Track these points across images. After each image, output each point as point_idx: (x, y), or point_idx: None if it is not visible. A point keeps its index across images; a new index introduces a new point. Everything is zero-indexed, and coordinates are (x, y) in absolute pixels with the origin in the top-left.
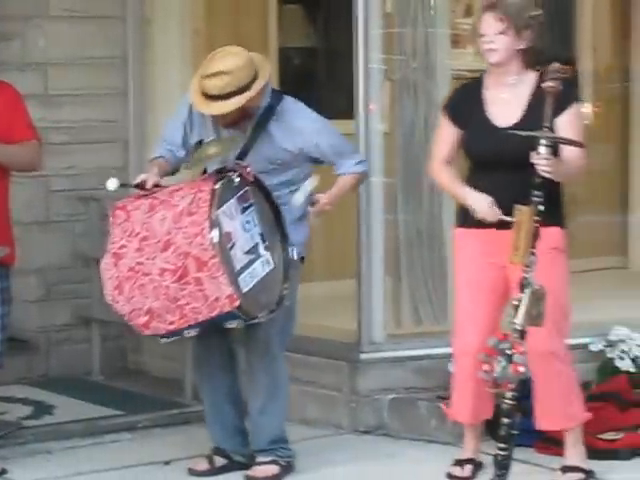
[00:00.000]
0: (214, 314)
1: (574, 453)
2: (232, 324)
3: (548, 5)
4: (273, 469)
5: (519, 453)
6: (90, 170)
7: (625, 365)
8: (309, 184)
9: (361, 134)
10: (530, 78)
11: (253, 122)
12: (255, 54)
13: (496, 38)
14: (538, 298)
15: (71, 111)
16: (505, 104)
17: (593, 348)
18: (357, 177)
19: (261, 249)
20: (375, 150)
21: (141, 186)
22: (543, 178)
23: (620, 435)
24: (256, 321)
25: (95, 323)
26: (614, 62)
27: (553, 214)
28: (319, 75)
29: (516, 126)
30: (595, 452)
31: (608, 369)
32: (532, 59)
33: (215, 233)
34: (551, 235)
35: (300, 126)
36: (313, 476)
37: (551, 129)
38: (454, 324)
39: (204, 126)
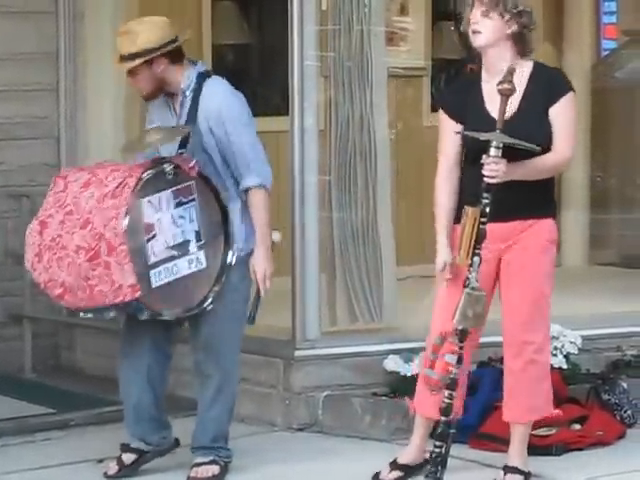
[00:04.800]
0: (117, 301)
1: (518, 453)
2: (143, 316)
3: None
4: (214, 469)
5: (453, 449)
6: (21, 167)
7: (558, 362)
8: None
9: (296, 131)
10: (526, 69)
11: (186, 106)
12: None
13: (481, 20)
14: (474, 299)
15: (2, 107)
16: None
17: None
18: (261, 194)
19: (192, 247)
20: (310, 147)
21: None
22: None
23: (553, 431)
24: (162, 318)
25: (27, 320)
26: (548, 61)
27: (544, 206)
28: (253, 72)
29: (513, 117)
30: (528, 448)
31: None
32: (526, 47)
33: (126, 222)
34: (542, 227)
35: (213, 99)
36: (248, 475)
37: (532, 122)
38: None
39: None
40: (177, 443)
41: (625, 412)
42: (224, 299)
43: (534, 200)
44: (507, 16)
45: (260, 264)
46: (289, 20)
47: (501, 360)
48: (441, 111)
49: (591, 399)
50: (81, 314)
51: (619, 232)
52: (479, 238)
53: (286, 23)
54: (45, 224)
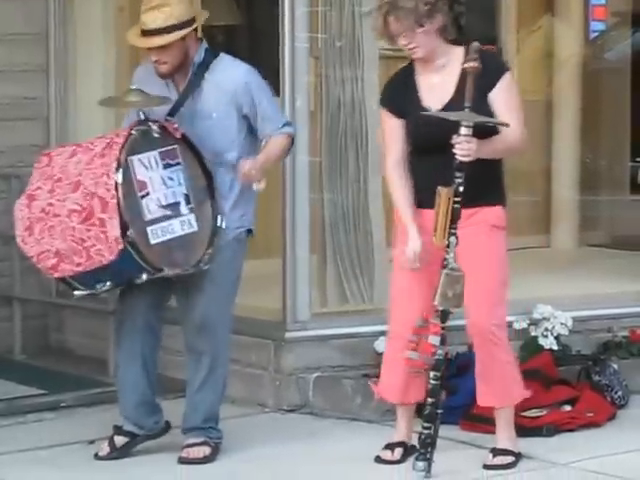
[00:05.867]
0: (113, 256)
1: (505, 435)
2: (141, 278)
3: None
4: (205, 450)
5: (444, 430)
6: (10, 147)
7: (548, 343)
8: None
9: (286, 112)
10: (458, 55)
11: (187, 78)
12: None
13: (411, 37)
14: (454, 280)
15: None
16: (436, 87)
17: (517, 326)
18: (285, 138)
19: (183, 209)
20: (300, 128)
21: None
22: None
23: (544, 412)
24: (162, 274)
25: (16, 301)
26: (538, 43)
27: (493, 192)
28: (244, 53)
29: (447, 107)
30: (519, 429)
31: (532, 347)
32: (453, 32)
33: (119, 175)
34: (491, 213)
35: (234, 73)
36: (239, 456)
37: (473, 109)
38: (390, 302)
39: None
40: (168, 427)
41: (616, 393)
42: (217, 279)
43: (478, 189)
44: (428, 22)
45: (249, 162)
46: (280, 1)
47: None
48: (382, 109)
49: (582, 380)
50: (75, 293)
51: (609, 213)
52: (454, 218)
53: (277, 4)
54: (33, 197)
